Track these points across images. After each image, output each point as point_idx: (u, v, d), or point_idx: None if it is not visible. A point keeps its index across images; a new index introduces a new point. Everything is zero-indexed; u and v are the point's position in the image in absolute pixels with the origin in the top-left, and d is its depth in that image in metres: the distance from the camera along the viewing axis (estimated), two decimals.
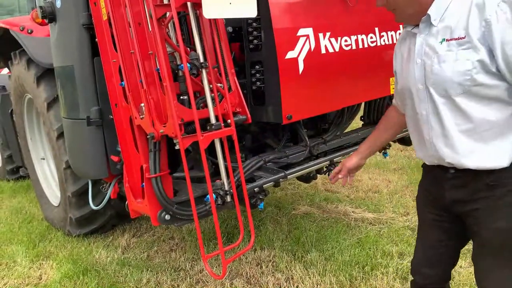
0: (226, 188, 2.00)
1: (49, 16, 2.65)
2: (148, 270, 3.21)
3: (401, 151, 5.75)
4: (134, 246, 3.68)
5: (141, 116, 2.11)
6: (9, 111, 4.80)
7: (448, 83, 1.42)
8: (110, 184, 2.82)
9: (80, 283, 3.08)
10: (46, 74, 3.42)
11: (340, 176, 2.01)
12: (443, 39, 1.45)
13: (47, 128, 3.61)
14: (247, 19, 2.40)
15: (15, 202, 5.02)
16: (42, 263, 3.45)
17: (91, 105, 2.58)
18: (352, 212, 3.93)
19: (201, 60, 1.87)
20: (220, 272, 3.06)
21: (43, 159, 4.50)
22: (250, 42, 2.42)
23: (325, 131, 3.00)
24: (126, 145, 2.37)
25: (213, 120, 1.91)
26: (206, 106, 2.00)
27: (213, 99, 1.99)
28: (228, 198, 2.00)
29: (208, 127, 1.92)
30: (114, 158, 2.59)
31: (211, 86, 2.01)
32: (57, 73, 2.82)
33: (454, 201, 1.59)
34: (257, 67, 2.43)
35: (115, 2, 2.11)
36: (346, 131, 3.22)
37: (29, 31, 3.54)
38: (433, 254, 1.76)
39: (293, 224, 3.78)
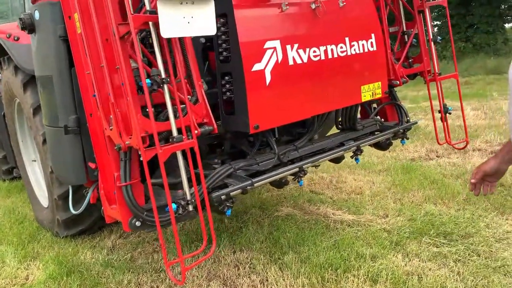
0: (188, 198, 2.09)
1: (29, 27, 2.74)
2: (130, 271, 3.32)
3: (389, 152, 5.81)
4: (119, 247, 3.79)
5: (110, 127, 2.20)
6: (2, 113, 4.92)
7: None
8: (88, 189, 2.92)
9: (64, 284, 3.19)
10: (32, 80, 3.51)
11: (472, 180, 1.83)
12: None
13: (33, 133, 3.72)
14: (217, 31, 2.48)
15: (9, 202, 5.15)
16: (30, 264, 3.56)
17: (69, 114, 2.68)
18: (332, 214, 4.01)
19: (163, 75, 1.96)
20: (200, 275, 3.18)
21: (34, 161, 4.62)
22: (220, 54, 2.50)
23: (302, 136, 3.08)
24: (101, 153, 2.47)
25: (175, 133, 2.00)
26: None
27: (177, 111, 2.07)
28: (190, 208, 2.09)
29: (170, 140, 2.01)
30: (92, 165, 2.69)
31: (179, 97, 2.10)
32: (38, 82, 2.92)
33: None
34: (226, 78, 2.52)
35: (86, 18, 2.19)
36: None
37: (16, 38, 3.64)
38: None
39: (274, 226, 3.87)
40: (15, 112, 4.44)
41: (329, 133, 3.76)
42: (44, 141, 3.45)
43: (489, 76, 12.68)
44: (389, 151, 5.82)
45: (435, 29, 19.70)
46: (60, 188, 3.53)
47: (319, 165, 3.48)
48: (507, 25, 19.51)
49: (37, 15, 2.72)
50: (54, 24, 2.57)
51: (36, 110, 3.52)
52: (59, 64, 2.64)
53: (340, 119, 3.24)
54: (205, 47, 2.77)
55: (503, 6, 17.92)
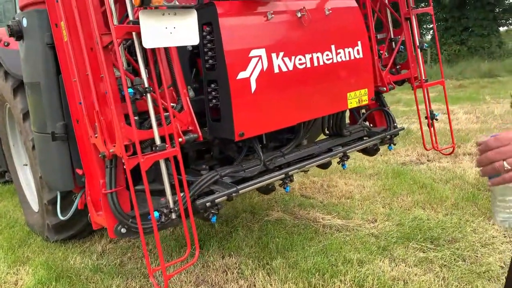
0: (171, 206, 2.11)
1: (17, 34, 2.76)
2: (119, 276, 3.33)
3: (381, 155, 5.84)
4: (109, 252, 3.80)
5: (95, 135, 2.21)
6: None
7: None
8: (77, 195, 2.93)
9: None
10: (22, 86, 3.52)
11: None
12: None
13: (23, 138, 3.73)
14: (203, 39, 2.51)
15: (1, 206, 5.16)
16: (19, 269, 3.57)
17: (56, 120, 2.69)
18: (322, 218, 4.03)
19: (146, 84, 1.98)
20: (188, 280, 3.20)
21: (26, 165, 4.62)
22: (206, 62, 2.53)
23: (289, 142, 3.10)
24: (87, 160, 2.49)
25: (157, 141, 2.02)
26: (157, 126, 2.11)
27: (160, 119, 2.09)
28: (173, 216, 2.11)
29: (153, 148, 2.03)
30: (79, 171, 2.70)
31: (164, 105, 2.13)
32: (26, 88, 2.94)
33: None
34: (212, 85, 2.54)
35: (71, 26, 2.21)
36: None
37: (6, 44, 3.66)
38: None
39: (263, 231, 3.89)
40: (6, 116, 4.45)
41: (318, 139, 3.79)
42: (34, 146, 3.47)
43: (483, 80, 12.77)
44: (381, 155, 5.86)
45: (430, 32, 19.82)
46: (50, 193, 3.54)
47: (308, 170, 3.51)
48: (501, 29, 19.62)
49: (25, 22, 2.74)
50: (41, 31, 2.59)
51: (26, 115, 3.53)
52: (46, 71, 2.66)
53: (327, 126, 3.27)
54: (192, 54, 2.80)
55: (497, 10, 18.05)
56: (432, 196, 4.26)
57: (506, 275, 2.70)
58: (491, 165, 1.17)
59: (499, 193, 1.24)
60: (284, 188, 2.85)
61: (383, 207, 4.20)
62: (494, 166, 1.16)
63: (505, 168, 1.14)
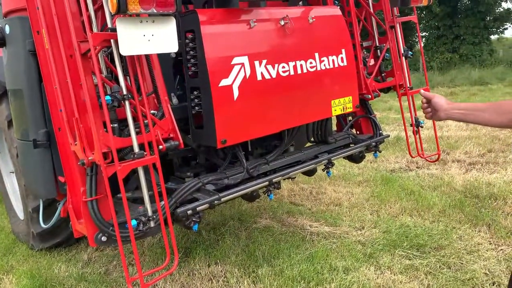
0: (149, 214, 2.09)
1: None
2: (103, 285, 3.30)
3: (370, 162, 5.86)
4: (95, 260, 3.77)
5: (75, 143, 2.20)
6: None
7: None
8: (60, 202, 2.91)
9: None
10: (6, 93, 3.51)
11: (423, 99, 1.90)
12: None
13: (8, 145, 3.70)
14: (185, 46, 2.51)
15: None
16: (3, 278, 3.53)
17: (39, 128, 2.68)
18: (310, 226, 4.03)
19: (124, 92, 1.97)
20: None
21: (12, 172, 4.58)
22: (188, 69, 2.53)
23: (275, 148, 3.10)
24: (69, 167, 2.47)
25: (136, 149, 2.01)
26: (137, 133, 2.10)
27: (141, 126, 2.08)
28: (152, 224, 2.10)
29: (132, 156, 2.02)
30: (61, 179, 2.68)
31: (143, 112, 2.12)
32: (9, 95, 2.92)
33: None
34: (195, 92, 2.54)
35: (52, 34, 2.21)
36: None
37: None
38: None
39: (251, 238, 3.87)
40: None
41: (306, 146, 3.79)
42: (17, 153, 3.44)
43: (474, 87, 12.87)
44: (370, 162, 5.87)
45: (423, 39, 19.98)
46: (35, 201, 3.50)
47: (295, 177, 3.50)
48: (492, 37, 19.84)
49: (7, 29, 2.73)
50: (23, 38, 2.59)
51: (11, 122, 3.50)
52: (29, 78, 2.65)
53: (312, 133, 3.27)
54: (176, 61, 2.80)
55: (488, 18, 18.25)
56: (419, 203, 4.27)
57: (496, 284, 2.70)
58: None
59: None
60: (268, 195, 2.84)
61: (370, 214, 4.20)
62: None
63: None
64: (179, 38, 2.36)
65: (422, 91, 1.97)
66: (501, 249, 3.33)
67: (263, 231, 3.99)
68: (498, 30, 19.75)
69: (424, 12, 18.62)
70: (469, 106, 1.80)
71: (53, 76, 2.33)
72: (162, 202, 2.19)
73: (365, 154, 3.59)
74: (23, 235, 4.05)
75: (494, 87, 12.44)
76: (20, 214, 4.23)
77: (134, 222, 2.06)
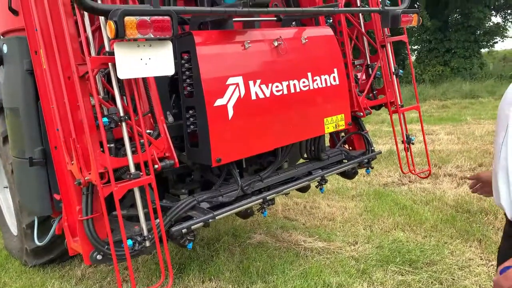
0: (145, 233, 2.12)
1: None
2: None
3: (363, 176, 5.91)
4: (89, 276, 3.75)
5: (72, 162, 2.23)
6: None
7: None
8: (55, 220, 2.92)
9: None
10: (2, 109, 3.53)
11: (469, 177, 2.00)
12: None
13: (3, 161, 3.71)
14: (181, 66, 2.56)
15: None
16: None
17: (35, 146, 2.71)
18: (304, 241, 4.05)
19: (121, 113, 2.01)
20: None
21: (6, 187, 4.57)
22: (184, 88, 2.58)
23: (269, 165, 3.14)
24: (65, 185, 2.49)
25: (132, 169, 2.04)
26: (133, 153, 2.14)
27: (137, 146, 2.11)
28: (147, 243, 2.12)
29: (128, 176, 2.05)
30: (57, 196, 2.70)
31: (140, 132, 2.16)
32: (6, 114, 2.95)
33: None
34: (191, 111, 2.59)
35: (50, 54, 2.25)
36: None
37: None
38: None
39: (245, 254, 3.89)
40: None
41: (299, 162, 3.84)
42: (13, 170, 3.45)
43: (465, 100, 13.04)
44: (363, 176, 5.92)
45: (415, 52, 20.27)
46: (29, 217, 3.50)
47: (289, 193, 3.54)
48: (482, 50, 20.17)
49: (5, 48, 2.77)
50: (21, 58, 2.63)
51: (6, 138, 3.52)
52: (25, 97, 2.68)
53: (305, 150, 3.32)
54: (172, 80, 2.85)
55: (478, 32, 18.56)
56: (412, 218, 4.31)
57: None
58: None
59: None
60: (262, 212, 2.87)
61: (364, 229, 4.23)
62: None
63: None
64: (175, 58, 2.42)
65: (468, 181, 2.01)
66: (492, 265, 3.38)
67: (257, 247, 4.00)
68: (488, 44, 20.09)
69: (415, 26, 18.92)
70: None
71: (50, 95, 2.36)
72: (157, 220, 2.21)
73: (358, 170, 3.64)
74: (16, 251, 4.03)
75: (485, 101, 12.62)
76: (14, 230, 4.21)
77: (129, 241, 2.08)
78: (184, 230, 2.37)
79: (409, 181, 5.66)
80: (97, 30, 2.37)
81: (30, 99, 2.68)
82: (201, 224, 2.46)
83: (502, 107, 1.48)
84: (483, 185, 1.94)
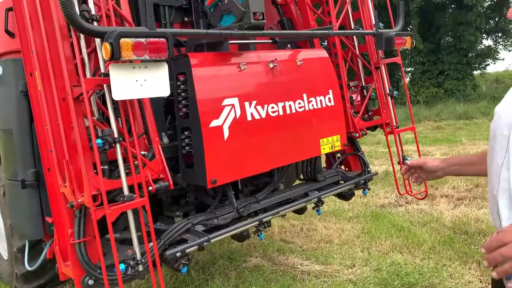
0: (138, 257, 2.07)
1: None
2: None
3: (360, 198, 5.87)
4: None
5: (65, 184, 2.19)
6: None
7: None
8: (46, 243, 2.86)
9: None
10: None
11: (408, 163, 1.91)
12: None
13: None
14: (177, 88, 2.57)
15: None
16: None
17: (28, 168, 2.67)
18: (300, 264, 3.98)
19: (115, 135, 1.99)
20: None
21: None
22: (180, 110, 2.57)
23: (265, 186, 3.11)
24: (58, 208, 2.45)
25: (126, 191, 2.01)
26: (127, 175, 2.11)
27: (131, 168, 2.09)
28: (140, 268, 2.07)
29: (121, 199, 2.01)
30: (49, 220, 2.65)
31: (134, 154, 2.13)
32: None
33: None
34: (186, 132, 2.57)
35: (45, 76, 2.25)
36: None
37: None
38: None
39: (241, 278, 3.81)
40: None
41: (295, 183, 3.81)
42: (4, 192, 3.40)
43: (459, 121, 13.14)
44: (360, 197, 5.88)
45: (409, 74, 20.55)
46: (20, 241, 3.43)
47: (285, 214, 3.50)
48: (475, 72, 20.48)
49: (0, 70, 2.77)
50: (16, 79, 2.63)
51: None
52: (19, 118, 2.67)
53: (301, 171, 3.30)
54: (168, 101, 2.85)
55: (470, 55, 18.90)
56: (409, 240, 4.26)
57: None
58: (510, 263, 1.08)
59: None
60: (258, 235, 2.83)
61: (361, 252, 4.17)
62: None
63: None
64: (171, 80, 2.43)
65: (408, 162, 1.96)
66: None
67: (254, 271, 3.93)
68: (481, 66, 20.43)
69: (409, 49, 19.25)
70: (463, 160, 1.83)
71: (45, 117, 2.35)
72: (151, 244, 2.17)
73: (354, 191, 3.61)
74: (6, 275, 3.93)
75: (479, 121, 12.72)
76: (4, 254, 4.12)
77: (122, 266, 2.03)
78: (178, 254, 2.32)
79: (406, 202, 5.63)
80: (92, 52, 2.38)
81: (24, 121, 2.66)
82: (195, 247, 2.41)
83: (498, 126, 1.45)
84: (429, 172, 1.89)
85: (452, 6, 17.98)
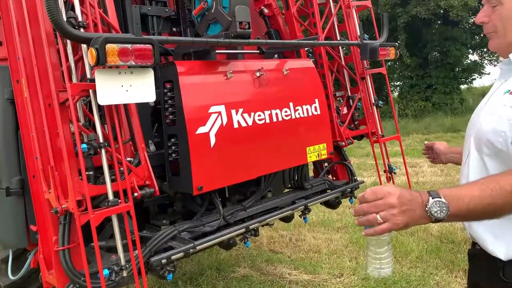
0: (122, 263, 2.05)
1: None
2: None
3: (349, 208, 5.89)
4: None
5: (49, 190, 2.18)
6: None
7: (483, 138, 1.34)
8: (30, 253, 2.82)
9: None
10: None
11: (426, 143, 2.19)
12: (508, 91, 1.33)
13: None
14: (164, 95, 2.59)
15: None
16: None
17: (12, 175, 2.65)
18: (289, 274, 3.97)
19: (100, 140, 2.00)
20: None
21: None
22: (166, 117, 2.59)
23: (253, 194, 3.11)
24: (42, 215, 2.42)
25: (110, 196, 2.01)
26: (113, 181, 2.11)
27: (116, 174, 2.09)
28: (124, 274, 2.05)
29: (106, 204, 2.01)
30: (33, 228, 2.62)
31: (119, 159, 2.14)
32: None
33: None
34: (172, 140, 2.58)
35: (31, 83, 2.25)
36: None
37: None
38: None
39: None
40: None
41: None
42: None
43: (447, 134, 13.33)
44: (349, 208, 5.90)
45: (397, 88, 20.85)
46: (4, 251, 3.38)
47: (272, 224, 3.50)
48: (462, 86, 20.85)
49: None
50: (2, 87, 2.62)
51: None
52: (5, 126, 2.65)
53: (288, 179, 3.31)
54: (155, 109, 2.86)
55: (457, 69, 19.27)
56: (397, 249, 4.29)
57: None
58: (366, 217, 1.21)
59: (371, 243, 1.34)
60: (245, 243, 2.82)
61: (350, 261, 4.18)
62: (368, 218, 1.21)
63: (378, 222, 1.18)
64: (158, 88, 2.45)
65: (426, 143, 2.24)
66: None
67: (242, 281, 3.91)
68: (467, 81, 20.82)
69: (397, 63, 19.58)
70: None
71: (30, 124, 2.35)
72: (136, 251, 2.16)
73: (341, 200, 3.64)
74: None
75: None
76: None
77: (106, 271, 2.01)
78: (164, 261, 2.31)
79: None
80: (79, 60, 2.39)
81: (10, 128, 2.65)
82: (181, 254, 2.39)
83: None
84: (437, 155, 2.16)
85: (438, 22, 18.39)
